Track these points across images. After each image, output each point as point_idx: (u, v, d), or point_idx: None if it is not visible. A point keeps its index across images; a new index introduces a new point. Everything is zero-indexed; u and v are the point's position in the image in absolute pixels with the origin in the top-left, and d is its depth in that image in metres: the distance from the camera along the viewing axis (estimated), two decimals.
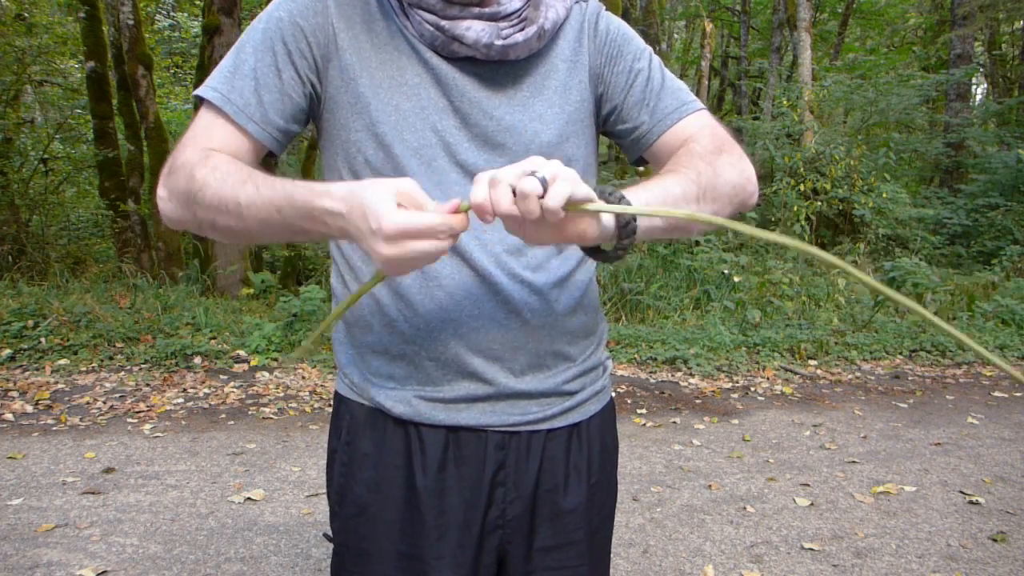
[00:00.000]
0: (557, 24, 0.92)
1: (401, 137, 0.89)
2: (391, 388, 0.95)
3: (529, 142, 0.91)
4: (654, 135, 0.97)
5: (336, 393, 1.03)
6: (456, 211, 0.71)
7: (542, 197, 0.68)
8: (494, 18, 0.88)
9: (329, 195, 0.75)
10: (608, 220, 0.76)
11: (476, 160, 0.90)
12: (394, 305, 0.93)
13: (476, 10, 0.87)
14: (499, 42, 0.87)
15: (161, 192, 0.87)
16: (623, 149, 1.03)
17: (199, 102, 0.90)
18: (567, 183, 0.69)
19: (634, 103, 0.97)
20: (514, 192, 0.69)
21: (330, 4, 0.90)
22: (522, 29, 0.89)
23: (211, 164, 0.83)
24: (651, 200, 0.80)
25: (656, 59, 1.00)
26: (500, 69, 0.91)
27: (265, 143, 0.89)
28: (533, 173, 0.69)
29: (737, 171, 0.91)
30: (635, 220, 0.78)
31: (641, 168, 1.03)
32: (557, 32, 0.94)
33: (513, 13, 0.89)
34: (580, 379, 1.01)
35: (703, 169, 0.88)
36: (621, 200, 0.76)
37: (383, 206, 0.69)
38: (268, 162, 0.96)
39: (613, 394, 4.68)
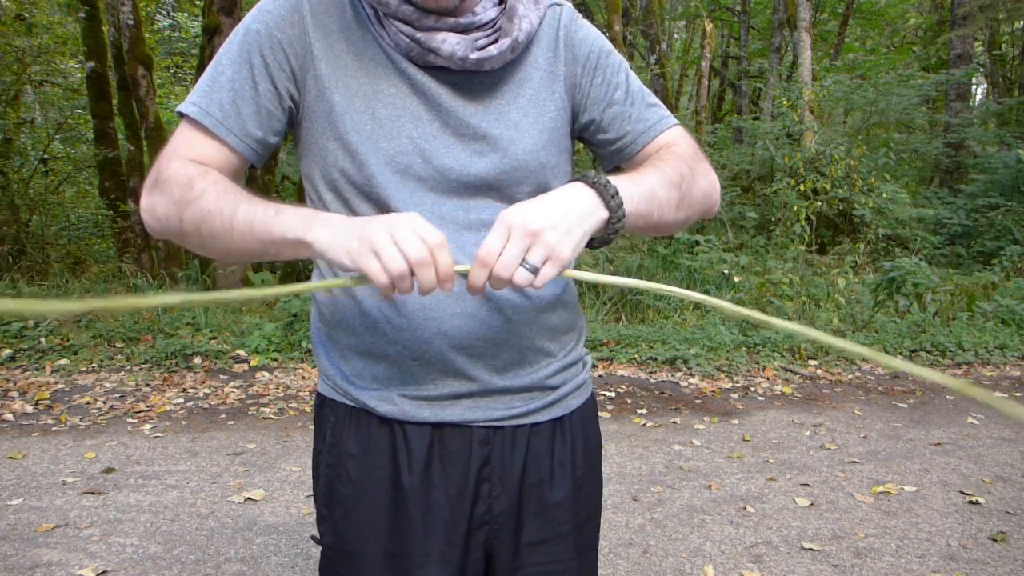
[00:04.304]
0: (531, 34, 0.93)
1: (377, 146, 0.89)
2: (374, 388, 0.96)
3: (506, 150, 0.92)
4: (636, 147, 1.00)
5: (318, 394, 1.03)
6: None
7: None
8: (469, 28, 0.89)
9: (334, 219, 0.80)
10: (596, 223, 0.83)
11: (453, 165, 0.91)
12: (377, 306, 0.93)
13: (451, 21, 0.88)
14: (473, 55, 0.88)
15: (146, 205, 0.87)
16: (600, 157, 1.06)
17: (180, 117, 0.90)
18: (553, 268, 0.77)
19: (614, 116, 0.99)
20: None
21: (306, 15, 0.90)
22: (496, 40, 0.90)
23: (211, 178, 0.84)
24: (637, 194, 0.85)
25: (632, 74, 1.03)
26: (475, 79, 0.92)
27: (244, 154, 0.90)
28: (524, 262, 0.76)
29: (708, 182, 0.98)
30: (623, 219, 0.83)
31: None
32: (531, 39, 0.95)
33: (488, 23, 0.90)
34: (561, 374, 1.02)
35: (686, 173, 0.93)
36: (615, 195, 0.82)
37: (415, 239, 0.74)
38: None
39: (613, 394, 4.66)
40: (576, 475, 1.03)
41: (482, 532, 0.98)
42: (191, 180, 0.83)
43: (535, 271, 0.76)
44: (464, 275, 0.78)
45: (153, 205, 0.86)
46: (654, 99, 1.03)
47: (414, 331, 0.92)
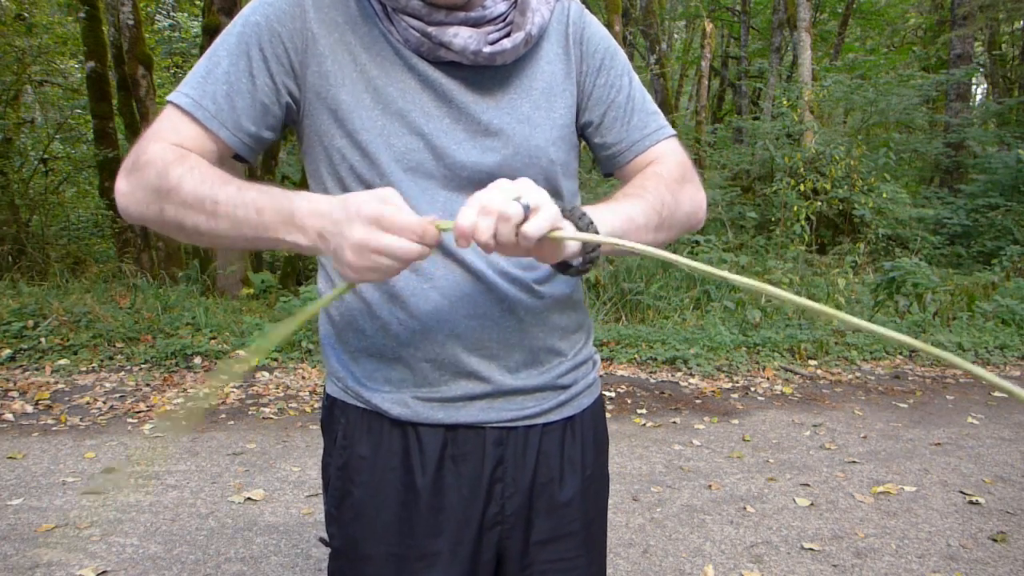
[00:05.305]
0: (543, 28, 0.92)
1: (387, 143, 0.88)
2: (387, 391, 0.95)
3: (519, 145, 0.91)
4: (629, 155, 1.00)
5: (327, 396, 1.02)
6: (431, 224, 0.74)
7: (521, 224, 0.71)
8: (480, 22, 0.88)
9: (316, 199, 0.77)
10: (574, 242, 0.79)
11: (464, 161, 0.90)
12: (387, 308, 0.92)
13: (462, 15, 0.87)
14: (487, 49, 0.87)
15: (122, 187, 0.85)
16: (596, 160, 1.06)
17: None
18: (547, 216, 0.72)
19: (612, 120, 0.99)
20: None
21: (308, 9, 0.88)
22: (508, 35, 0.89)
23: (188, 163, 0.82)
24: (616, 224, 0.84)
25: (635, 78, 1.02)
26: (486, 73, 0.91)
27: (237, 149, 0.89)
28: (518, 199, 0.72)
29: (694, 203, 0.99)
30: (597, 243, 0.81)
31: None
32: (542, 33, 0.95)
33: (498, 17, 0.89)
34: (572, 373, 1.02)
35: (667, 200, 0.92)
36: (589, 225, 0.79)
37: (370, 198, 0.73)
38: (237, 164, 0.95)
39: (613, 394, 4.66)
40: (585, 474, 1.03)
41: (494, 532, 0.98)
42: (167, 166, 0.81)
43: (527, 209, 0.71)
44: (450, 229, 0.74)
45: (129, 188, 0.84)
46: (653, 106, 1.02)
47: (426, 333, 0.92)
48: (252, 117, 0.88)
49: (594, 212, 0.82)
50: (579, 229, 0.78)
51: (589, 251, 0.80)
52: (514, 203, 0.71)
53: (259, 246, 0.82)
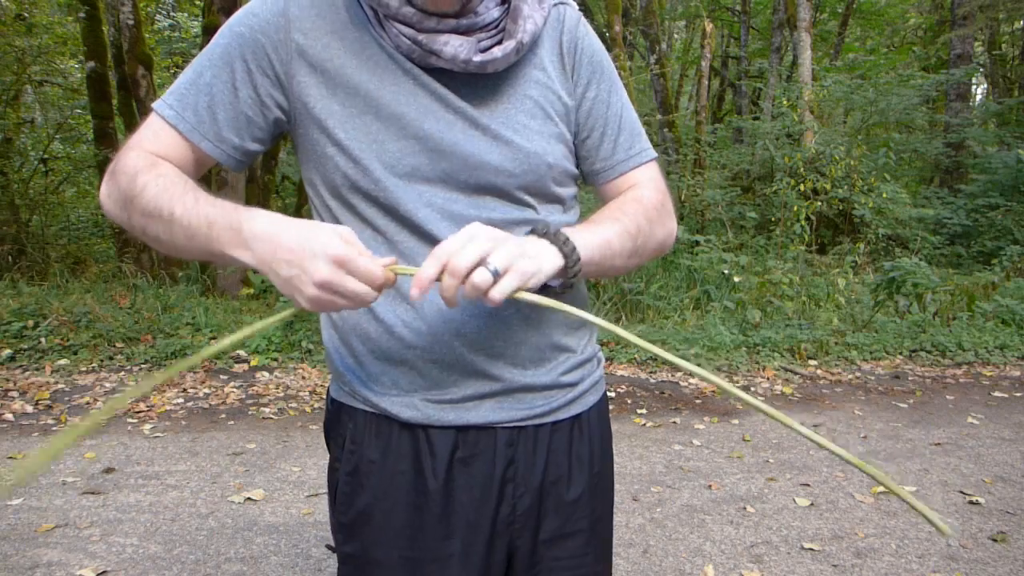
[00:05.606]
0: (536, 35, 0.91)
1: (381, 149, 0.88)
2: (395, 394, 0.94)
3: (516, 151, 0.91)
4: (612, 175, 1.01)
5: (332, 400, 1.01)
6: (388, 266, 0.76)
7: (488, 290, 0.74)
8: (471, 29, 0.87)
9: (269, 222, 0.78)
10: (553, 264, 0.83)
11: (462, 163, 0.89)
12: (391, 309, 0.92)
13: (453, 22, 0.86)
14: (477, 58, 0.86)
15: (104, 189, 0.88)
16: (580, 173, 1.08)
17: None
18: (515, 279, 0.75)
19: (600, 136, 0.99)
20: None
21: (292, 20, 0.88)
22: (500, 42, 0.88)
23: (155, 172, 0.83)
24: (595, 246, 0.88)
25: (624, 94, 1.02)
26: (478, 80, 0.90)
27: (220, 160, 0.89)
28: (486, 263, 0.74)
29: (667, 231, 1.01)
30: (579, 263, 0.85)
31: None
32: (535, 40, 0.94)
33: (491, 23, 0.89)
34: (579, 370, 1.02)
35: (643, 227, 0.95)
36: (566, 243, 0.83)
37: (333, 237, 0.74)
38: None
39: (613, 394, 4.66)
40: (593, 471, 1.03)
41: (506, 533, 0.97)
42: (136, 173, 0.83)
43: (496, 274, 0.74)
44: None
45: (107, 192, 0.88)
46: (639, 126, 1.03)
47: (432, 334, 0.91)
48: (235, 129, 0.88)
49: (575, 233, 0.85)
50: (559, 250, 0.83)
51: (570, 276, 0.84)
52: (482, 270, 0.73)
53: (214, 260, 0.83)
